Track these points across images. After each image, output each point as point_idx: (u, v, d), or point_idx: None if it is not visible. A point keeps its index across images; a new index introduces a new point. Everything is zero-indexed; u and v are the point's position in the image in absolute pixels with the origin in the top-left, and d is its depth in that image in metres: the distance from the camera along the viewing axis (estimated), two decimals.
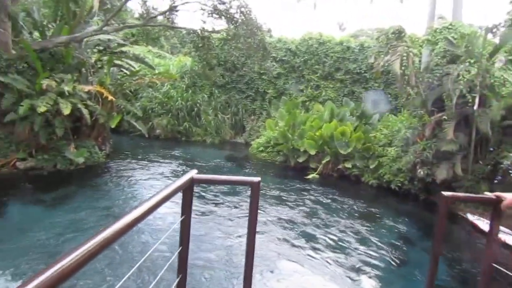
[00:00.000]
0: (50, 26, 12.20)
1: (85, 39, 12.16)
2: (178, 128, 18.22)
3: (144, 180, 11.93)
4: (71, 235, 7.62)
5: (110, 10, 13.03)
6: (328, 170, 13.08)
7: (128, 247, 6.62)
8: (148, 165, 13.52)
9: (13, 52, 10.91)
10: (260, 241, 7.10)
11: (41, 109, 9.85)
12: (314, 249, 7.21)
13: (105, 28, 12.21)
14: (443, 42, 10.70)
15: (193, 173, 1.91)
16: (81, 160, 11.44)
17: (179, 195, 1.82)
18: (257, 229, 2.16)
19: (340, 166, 12.94)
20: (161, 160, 14.31)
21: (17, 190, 10.04)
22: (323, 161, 13.05)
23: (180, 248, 1.93)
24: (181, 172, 12.90)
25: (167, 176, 12.12)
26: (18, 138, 10.91)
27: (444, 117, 9.95)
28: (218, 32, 14.86)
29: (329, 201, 10.43)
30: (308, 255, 6.96)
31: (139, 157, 14.31)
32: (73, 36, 11.49)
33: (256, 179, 2.04)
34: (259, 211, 2.21)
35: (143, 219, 1.30)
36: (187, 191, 1.91)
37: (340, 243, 7.54)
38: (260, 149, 15.46)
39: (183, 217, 1.92)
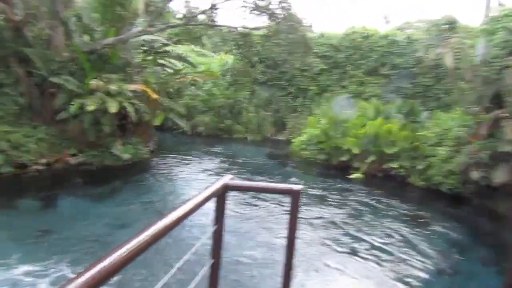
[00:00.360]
0: (98, 29, 12.71)
1: (130, 40, 12.54)
2: (220, 125, 18.38)
3: (186, 176, 12.15)
4: (117, 228, 7.91)
5: (154, 12, 13.33)
6: (373, 169, 12.55)
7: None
8: (190, 162, 13.77)
9: (65, 54, 11.48)
10: (301, 242, 6.92)
11: (90, 107, 10.30)
12: (358, 252, 6.91)
13: (149, 29, 12.52)
14: (503, 32, 9.83)
15: (227, 179, 1.78)
16: (127, 156, 11.84)
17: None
18: (299, 229, 2.02)
19: (385, 166, 12.38)
20: (203, 157, 14.52)
21: (68, 184, 10.58)
22: (367, 160, 12.54)
23: (211, 262, 1.78)
24: (223, 169, 12.99)
25: (209, 173, 12.25)
26: (70, 135, 11.50)
27: (503, 114, 9.15)
28: (259, 29, 14.75)
29: (374, 202, 10.00)
30: (352, 258, 6.68)
31: (181, 153, 14.61)
32: (119, 38, 11.89)
33: (297, 187, 1.88)
34: (301, 210, 2.05)
35: (171, 229, 1.20)
36: (221, 198, 1.77)
37: (386, 248, 7.17)
38: (302, 147, 15.18)
39: (215, 226, 1.78)
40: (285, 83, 19.23)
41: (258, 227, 7.98)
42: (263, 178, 11.87)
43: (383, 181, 12.24)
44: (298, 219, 1.94)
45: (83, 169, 11.35)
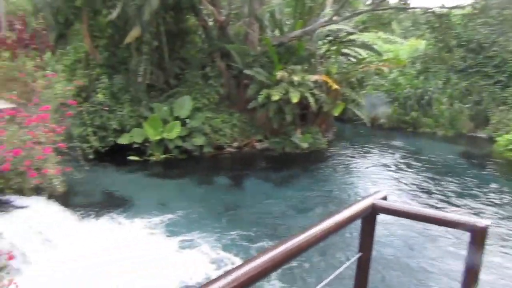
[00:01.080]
0: (287, 23, 13.43)
1: (316, 31, 12.76)
2: (404, 117, 16.87)
3: (363, 169, 11.71)
4: (291, 213, 8.33)
5: (342, 0, 13.15)
6: None
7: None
8: (368, 154, 13.20)
9: (258, 48, 12.64)
10: None
11: (275, 97, 11.05)
12: None
13: (334, 19, 12.44)
14: None
15: (377, 197, 1.41)
16: (305, 145, 12.25)
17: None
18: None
19: None
20: (383, 151, 13.67)
21: (254, 166, 11.77)
22: None
23: None
24: (404, 165, 11.91)
25: (388, 169, 11.45)
26: (258, 122, 12.70)
27: None
28: (461, 7, 12.64)
29: None
30: None
31: (359, 145, 14.15)
32: (305, 30, 12.25)
33: (481, 222, 1.30)
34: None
35: (302, 251, 1.04)
36: (368, 220, 1.43)
37: None
38: (510, 147, 12.41)
39: (359, 254, 1.45)
40: (492, 70, 15.99)
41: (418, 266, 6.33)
42: (450, 180, 10.28)
43: None
44: (482, 268, 1.35)
45: (267, 154, 12.38)
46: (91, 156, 8.31)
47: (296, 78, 11.10)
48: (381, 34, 20.67)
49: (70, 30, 12.13)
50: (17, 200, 6.62)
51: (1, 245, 5.38)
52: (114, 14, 10.34)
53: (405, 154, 13.36)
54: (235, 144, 12.57)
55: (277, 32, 13.65)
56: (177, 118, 11.80)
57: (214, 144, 12.23)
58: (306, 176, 10.99)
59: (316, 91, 11.80)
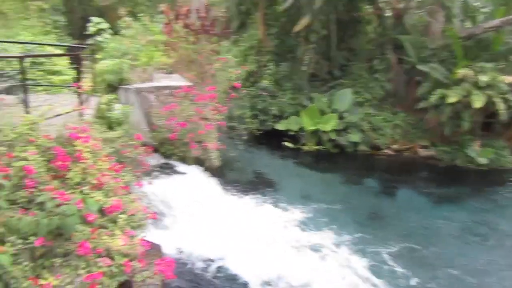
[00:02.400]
0: (483, 10, 11.16)
1: None
2: None
3: None
4: (446, 241, 6.94)
5: None
6: None
7: None
8: None
9: (439, 41, 10.94)
10: None
11: (452, 99, 9.42)
12: None
13: None
14: None
15: None
16: (483, 160, 10.10)
17: None
18: None
19: None
20: None
21: (412, 175, 10.39)
22: None
23: None
24: None
25: None
26: (425, 126, 11.15)
27: None
28: None
29: None
30: None
31: None
32: (509, 18, 9.89)
33: None
34: None
35: None
36: None
37: None
38: None
39: None
40: None
41: None
42: None
43: None
44: None
45: (431, 163, 10.75)
46: (245, 137, 8.76)
47: (483, 78, 9.15)
48: None
49: (249, 19, 13.07)
50: (180, 166, 7.53)
51: (157, 203, 6.19)
52: (288, 2, 10.54)
53: None
54: (395, 146, 11.37)
55: (468, 24, 11.53)
56: (335, 111, 11.40)
57: (370, 143, 11.35)
58: (478, 197, 9.04)
59: (510, 97, 9.50)
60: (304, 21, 10.57)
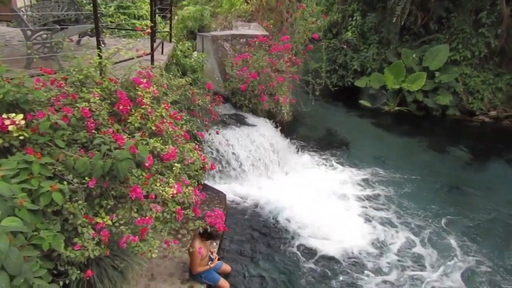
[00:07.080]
0: None
1: None
2: None
3: None
4: None
5: None
6: None
7: None
8: None
9: None
10: None
11: None
12: None
13: None
14: None
15: None
16: None
17: None
18: None
19: None
20: None
21: (510, 146, 9.01)
22: None
23: None
24: None
25: None
26: None
27: None
28: None
29: None
30: None
31: None
32: None
33: None
34: None
35: None
36: None
37: None
38: None
39: None
40: None
41: None
42: None
43: None
44: None
45: None
46: (319, 93, 8.30)
47: None
48: None
49: None
50: (250, 118, 7.46)
51: (224, 153, 6.25)
52: None
53: None
54: (493, 113, 9.96)
55: None
56: (425, 69, 10.20)
57: (463, 107, 10.07)
58: None
59: None
60: None
